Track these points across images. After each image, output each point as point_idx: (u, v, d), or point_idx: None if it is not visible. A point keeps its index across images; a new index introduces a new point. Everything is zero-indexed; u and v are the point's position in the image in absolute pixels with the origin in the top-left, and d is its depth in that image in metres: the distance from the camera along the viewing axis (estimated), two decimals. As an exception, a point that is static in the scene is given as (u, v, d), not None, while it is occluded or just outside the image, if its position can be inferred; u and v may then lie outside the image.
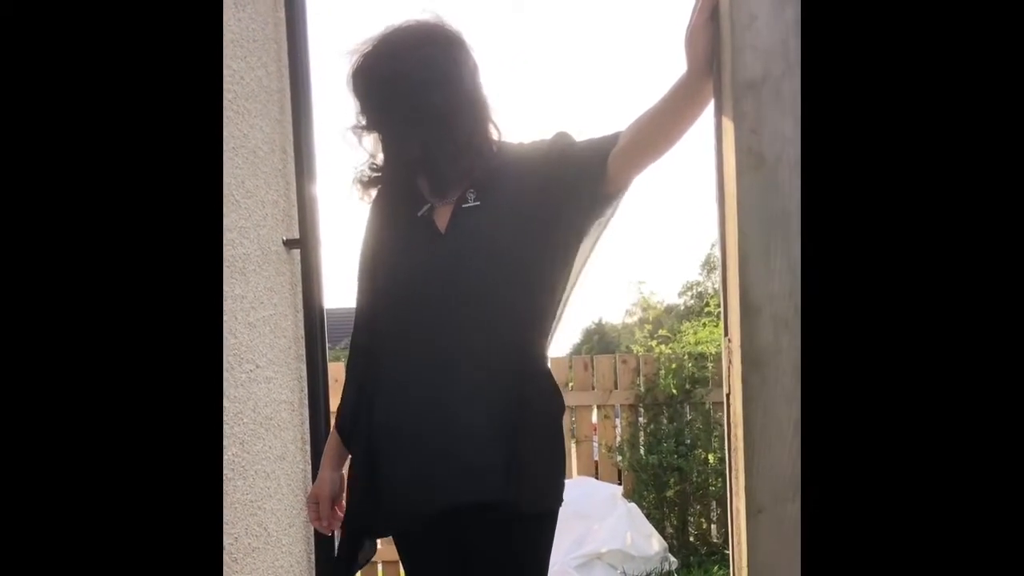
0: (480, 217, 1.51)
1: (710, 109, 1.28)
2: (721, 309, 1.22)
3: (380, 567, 4.39)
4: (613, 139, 1.47)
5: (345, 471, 1.68)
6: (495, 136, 1.57)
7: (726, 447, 1.22)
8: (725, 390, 1.20)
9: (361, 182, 1.62)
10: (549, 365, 1.61)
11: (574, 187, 1.49)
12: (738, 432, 1.12)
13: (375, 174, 1.61)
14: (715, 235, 1.23)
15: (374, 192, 1.64)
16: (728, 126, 1.10)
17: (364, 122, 1.56)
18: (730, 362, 1.16)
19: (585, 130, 1.59)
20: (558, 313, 1.59)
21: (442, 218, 1.53)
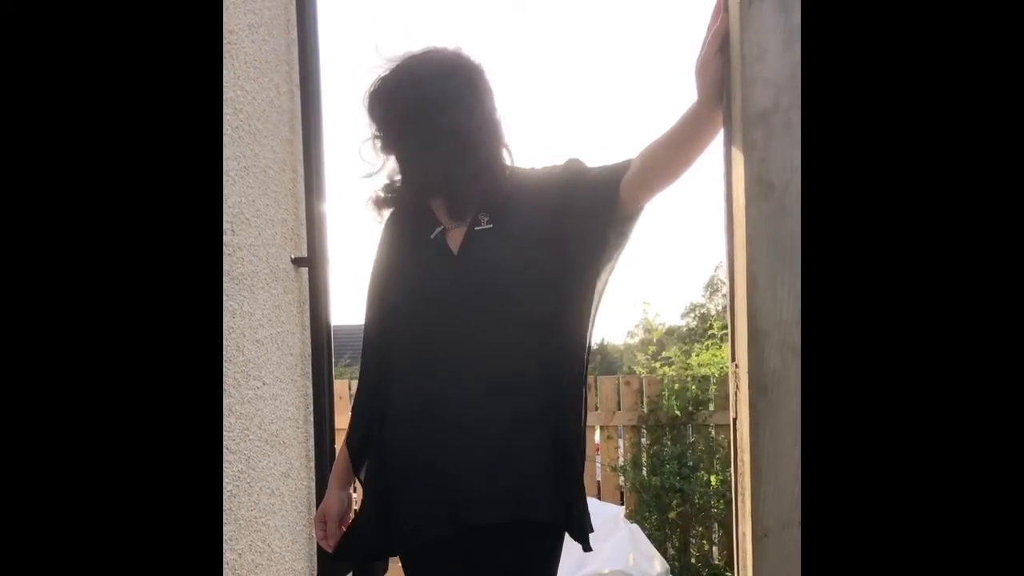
0: (493, 240, 1.52)
1: (719, 137, 1.31)
2: (728, 334, 1.24)
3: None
4: (625, 165, 1.49)
5: (352, 490, 1.69)
6: (508, 161, 1.59)
7: (732, 471, 1.23)
8: (732, 415, 1.22)
9: (375, 204, 1.64)
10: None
11: (587, 211, 1.51)
12: (744, 457, 1.13)
13: (388, 195, 1.63)
14: (718, 257, 1.25)
15: (386, 213, 1.66)
16: (738, 155, 1.12)
17: (381, 143, 1.58)
18: (737, 387, 1.17)
19: (586, 130, 1.60)
20: (586, 339, 1.58)
21: (455, 240, 1.54)
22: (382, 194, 1.63)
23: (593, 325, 1.58)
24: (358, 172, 1.63)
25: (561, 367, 1.55)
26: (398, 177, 1.62)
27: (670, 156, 1.44)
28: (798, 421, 1.05)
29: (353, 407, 1.65)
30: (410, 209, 1.61)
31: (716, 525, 4.64)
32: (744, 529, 1.16)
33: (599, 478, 4.83)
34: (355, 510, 1.68)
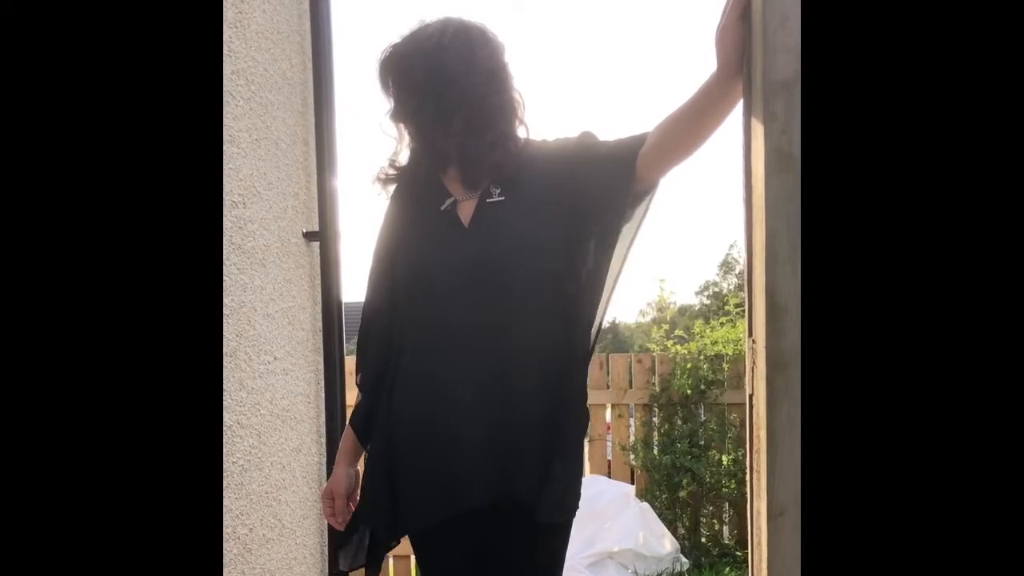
0: (504, 212, 1.50)
1: (738, 109, 1.28)
2: (746, 310, 1.21)
3: (391, 561, 4.38)
4: (641, 138, 1.47)
5: (360, 467, 1.68)
6: (523, 134, 1.56)
7: (748, 448, 1.21)
8: (748, 391, 1.20)
9: (381, 181, 1.62)
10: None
11: (603, 185, 1.49)
12: (760, 434, 1.11)
13: (394, 172, 1.61)
14: (733, 236, 1.23)
15: (392, 190, 1.63)
16: (758, 127, 1.09)
17: (393, 112, 1.55)
18: (754, 363, 1.15)
19: (591, 130, 1.58)
20: (597, 317, 1.56)
21: (466, 212, 1.52)
22: (388, 171, 1.61)
23: (608, 302, 1.57)
24: (378, 148, 1.61)
25: (570, 343, 1.53)
26: (405, 151, 1.59)
27: (688, 128, 1.41)
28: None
29: (360, 381, 1.63)
30: (421, 181, 1.58)
31: (727, 504, 4.63)
32: (759, 507, 1.14)
33: (610, 457, 4.82)
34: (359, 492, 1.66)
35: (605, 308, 1.57)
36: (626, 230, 1.54)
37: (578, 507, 1.54)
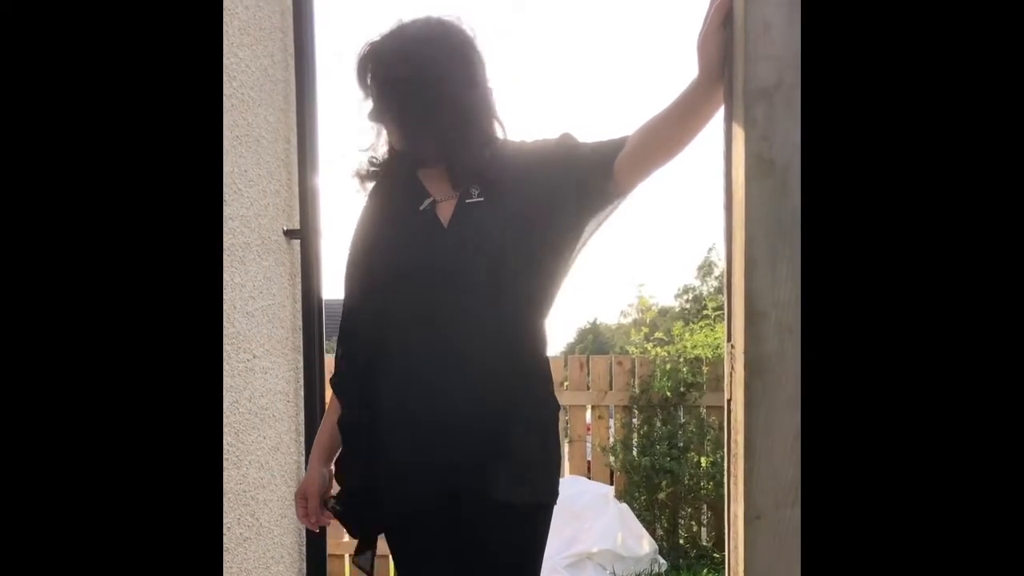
0: (483, 213, 1.50)
1: (719, 114, 1.28)
2: (725, 315, 1.22)
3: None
4: (620, 142, 1.47)
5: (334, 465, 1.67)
6: (500, 134, 1.56)
7: (726, 453, 1.22)
8: (726, 396, 1.20)
9: (360, 177, 1.61)
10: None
11: (579, 188, 1.50)
12: (739, 438, 1.12)
13: (373, 168, 1.60)
14: (711, 239, 1.23)
15: (370, 186, 1.62)
16: (738, 132, 1.10)
17: (371, 111, 1.54)
18: (732, 368, 1.16)
19: (586, 131, 1.58)
20: (548, 313, 1.59)
21: (444, 213, 1.52)
22: (368, 167, 1.60)
23: (558, 293, 1.59)
24: (357, 144, 1.60)
25: (539, 337, 1.55)
26: (384, 148, 1.59)
27: (668, 133, 1.42)
28: (793, 402, 1.03)
29: (336, 380, 1.62)
30: (397, 180, 1.58)
31: (705, 506, 4.65)
32: (736, 511, 1.14)
33: (589, 457, 4.83)
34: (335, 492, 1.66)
35: (556, 295, 1.59)
36: (591, 225, 1.56)
37: (556, 495, 1.55)
